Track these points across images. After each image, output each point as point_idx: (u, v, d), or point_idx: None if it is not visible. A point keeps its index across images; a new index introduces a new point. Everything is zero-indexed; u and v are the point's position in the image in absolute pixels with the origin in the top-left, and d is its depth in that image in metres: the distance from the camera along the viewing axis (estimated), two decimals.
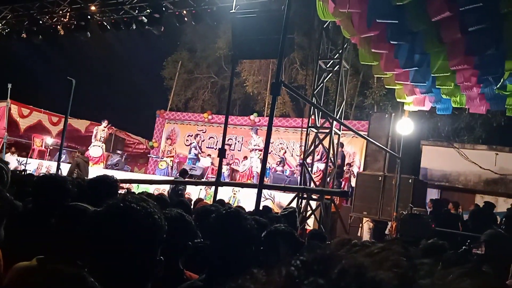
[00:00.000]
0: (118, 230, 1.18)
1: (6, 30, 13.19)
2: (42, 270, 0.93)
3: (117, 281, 1.18)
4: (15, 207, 2.52)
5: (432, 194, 12.43)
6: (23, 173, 7.80)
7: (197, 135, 16.34)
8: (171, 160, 15.31)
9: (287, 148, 15.26)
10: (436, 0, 5.12)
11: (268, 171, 13.08)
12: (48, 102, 17.42)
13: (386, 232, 8.89)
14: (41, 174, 3.66)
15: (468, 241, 4.09)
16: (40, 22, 12.38)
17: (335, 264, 0.43)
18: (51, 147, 15.93)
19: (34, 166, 13.71)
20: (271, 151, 14.21)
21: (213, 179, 10.93)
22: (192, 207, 5.58)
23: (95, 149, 14.47)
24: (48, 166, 13.51)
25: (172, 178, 12.92)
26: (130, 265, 1.18)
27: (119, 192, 4.23)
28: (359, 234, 9.84)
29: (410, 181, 9.03)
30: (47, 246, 1.58)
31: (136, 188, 10.80)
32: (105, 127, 14.80)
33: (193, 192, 11.16)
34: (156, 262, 1.24)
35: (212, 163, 14.86)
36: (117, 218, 1.19)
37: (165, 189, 10.96)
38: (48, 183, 2.47)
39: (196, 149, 15.10)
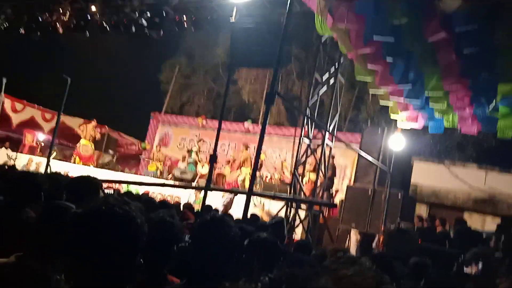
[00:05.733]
0: (97, 233, 1.19)
1: (5, 25, 13.16)
2: (16, 268, 0.94)
3: (94, 283, 1.19)
4: None
5: (421, 210, 12.50)
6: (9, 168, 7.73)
7: (200, 139, 15.70)
8: (160, 164, 15.17)
9: (279, 156, 15.28)
10: (432, 22, 5.21)
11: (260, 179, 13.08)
12: (43, 98, 17.35)
13: (373, 245, 8.91)
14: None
15: (461, 257, 4.08)
16: (40, 19, 12.36)
17: (299, 285, 0.45)
18: (42, 144, 15.83)
19: (24, 161, 13.62)
20: (264, 159, 14.21)
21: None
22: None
23: (85, 148, 14.33)
24: (38, 162, 13.42)
25: (162, 181, 12.89)
26: (108, 268, 1.19)
27: (107, 192, 4.22)
28: (346, 246, 9.86)
29: (399, 196, 9.08)
30: (27, 243, 1.59)
31: (125, 189, 10.75)
32: (94, 127, 14.66)
33: (183, 196, 11.14)
34: (135, 266, 1.25)
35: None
36: (98, 221, 1.20)
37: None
38: (18, 178, 2.48)
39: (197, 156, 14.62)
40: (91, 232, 1.21)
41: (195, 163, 14.26)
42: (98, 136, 14.80)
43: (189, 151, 14.62)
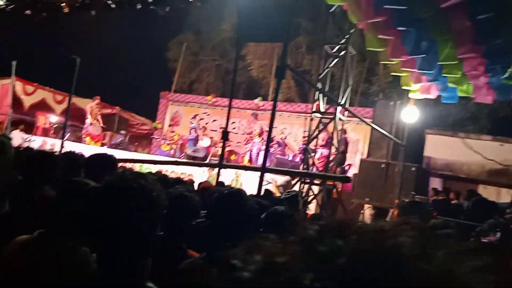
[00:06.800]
0: (115, 206, 1.19)
1: (10, 7, 13.09)
2: (41, 243, 0.94)
3: (116, 255, 1.19)
4: (17, 181, 2.54)
5: (435, 183, 12.43)
6: (26, 149, 7.81)
7: (196, 115, 16.31)
8: (173, 144, 15.35)
9: (290, 133, 15.23)
10: None
11: (271, 156, 13.09)
12: (53, 80, 17.38)
13: (387, 219, 8.92)
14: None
15: (478, 228, 4.05)
16: None
17: (354, 228, 0.43)
18: (55, 125, 15.96)
19: (38, 143, 13.77)
20: (274, 135, 14.19)
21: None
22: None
23: (94, 127, 14.46)
24: (52, 144, 13.56)
25: (175, 159, 12.97)
26: (128, 240, 1.19)
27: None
28: (360, 220, 9.88)
29: (413, 169, 9.02)
30: (47, 221, 1.60)
31: (139, 168, 10.84)
32: (97, 104, 14.72)
33: (196, 174, 11.21)
34: (155, 237, 1.25)
35: (214, 145, 14.87)
36: (115, 194, 1.20)
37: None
38: (35, 158, 2.50)
39: (195, 131, 15.09)
40: (107, 206, 1.21)
41: (195, 140, 14.64)
42: (98, 112, 14.79)
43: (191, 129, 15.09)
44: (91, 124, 14.50)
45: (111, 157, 2.63)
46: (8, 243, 1.57)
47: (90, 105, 14.74)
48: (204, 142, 14.54)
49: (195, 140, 14.83)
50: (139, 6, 11.47)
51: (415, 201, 7.35)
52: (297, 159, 13.04)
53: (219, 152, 13.32)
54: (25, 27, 17.35)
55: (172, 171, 11.24)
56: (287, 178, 9.36)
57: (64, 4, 12.23)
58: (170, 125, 16.81)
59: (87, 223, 1.26)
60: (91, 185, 1.61)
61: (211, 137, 15.31)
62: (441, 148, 13.03)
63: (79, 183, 1.65)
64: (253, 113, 14.71)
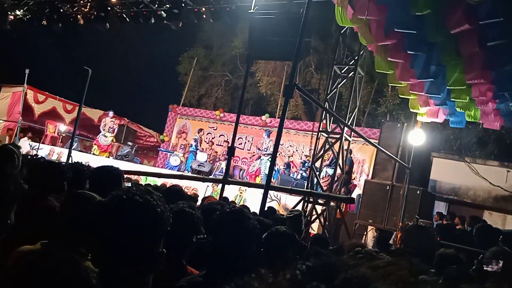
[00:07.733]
0: (120, 221, 1.20)
1: (28, 16, 13.39)
2: (43, 254, 0.96)
3: (118, 270, 1.20)
4: (23, 191, 2.57)
5: (440, 207, 12.30)
6: (34, 157, 7.88)
7: (202, 129, 16.49)
8: (183, 156, 15.43)
9: (296, 151, 15.24)
10: (456, 13, 5.08)
11: (276, 173, 13.08)
12: (64, 89, 17.63)
13: (390, 242, 8.83)
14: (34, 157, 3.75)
15: (481, 256, 4.01)
16: (61, 10, 12.55)
17: (339, 272, 0.44)
18: (63, 134, 16.11)
19: (46, 151, 13.88)
20: (280, 152, 14.21)
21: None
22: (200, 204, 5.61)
23: (104, 138, 14.63)
24: (59, 153, 13.66)
25: (180, 173, 12.99)
26: (131, 256, 1.20)
27: (126, 184, 4.26)
28: (363, 241, 9.79)
29: (418, 192, 8.95)
30: (51, 232, 1.62)
31: (144, 181, 10.87)
32: (112, 118, 14.95)
33: (200, 189, 11.21)
34: (158, 254, 1.26)
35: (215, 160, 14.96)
36: (120, 209, 1.22)
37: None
38: (42, 167, 2.52)
39: (196, 144, 15.24)
40: (112, 221, 1.23)
41: (195, 153, 14.81)
42: (114, 127, 15.05)
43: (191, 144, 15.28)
44: (103, 135, 14.75)
45: (116, 170, 2.65)
46: (11, 252, 1.59)
47: (104, 119, 15.06)
48: (201, 157, 14.63)
49: (195, 153, 15.00)
50: (152, 21, 11.68)
51: (418, 225, 7.29)
52: (298, 176, 13.02)
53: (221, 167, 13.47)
54: (40, 37, 17.67)
55: (176, 184, 11.25)
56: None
57: (79, 16, 12.47)
58: (177, 138, 17.00)
59: (91, 237, 1.28)
60: (96, 199, 1.63)
61: (215, 152, 15.39)
62: (447, 172, 12.94)
63: (84, 196, 1.68)
64: (267, 130, 14.74)
